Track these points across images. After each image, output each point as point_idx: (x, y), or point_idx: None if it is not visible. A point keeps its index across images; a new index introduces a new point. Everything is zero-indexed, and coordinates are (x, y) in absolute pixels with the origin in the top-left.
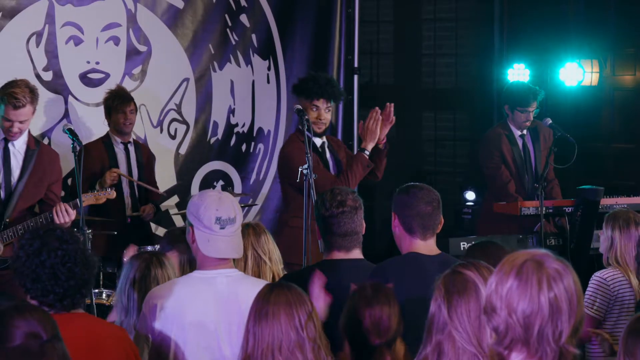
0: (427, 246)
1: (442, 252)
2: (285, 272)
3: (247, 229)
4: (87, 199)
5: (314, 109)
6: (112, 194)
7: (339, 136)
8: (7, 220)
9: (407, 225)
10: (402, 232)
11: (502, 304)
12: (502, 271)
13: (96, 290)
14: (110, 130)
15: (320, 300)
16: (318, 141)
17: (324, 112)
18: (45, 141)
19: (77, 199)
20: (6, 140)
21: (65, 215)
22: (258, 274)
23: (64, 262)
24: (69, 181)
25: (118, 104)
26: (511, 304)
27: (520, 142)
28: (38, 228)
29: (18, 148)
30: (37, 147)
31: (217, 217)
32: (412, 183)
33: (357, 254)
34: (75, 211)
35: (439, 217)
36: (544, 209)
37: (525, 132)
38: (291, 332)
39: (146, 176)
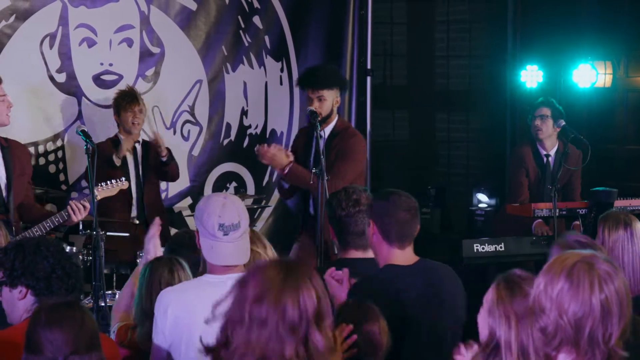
0: (405, 255)
1: (421, 258)
2: None
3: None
4: (102, 191)
5: (310, 101)
6: (125, 184)
7: None
8: (14, 222)
9: (385, 232)
10: (380, 240)
11: (552, 305)
12: (551, 272)
13: (109, 292)
14: (119, 130)
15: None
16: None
17: (316, 101)
18: (59, 143)
19: (90, 195)
20: None
21: (82, 211)
22: None
23: (63, 255)
24: (83, 182)
25: (126, 104)
26: (562, 305)
27: (544, 160)
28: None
29: None
30: (7, 142)
31: (220, 224)
32: (389, 189)
33: (372, 252)
34: (89, 205)
35: (417, 224)
36: (557, 210)
37: (551, 153)
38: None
39: (156, 176)
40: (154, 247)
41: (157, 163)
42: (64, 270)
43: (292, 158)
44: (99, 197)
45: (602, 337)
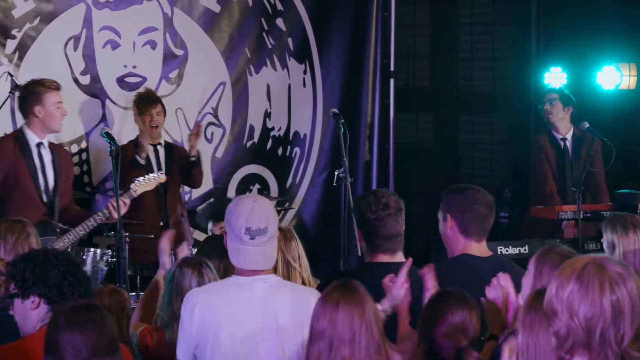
0: (480, 248)
1: (495, 254)
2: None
3: (278, 233)
4: (141, 186)
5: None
6: (163, 178)
7: (375, 140)
8: (58, 223)
9: (463, 226)
10: (457, 234)
11: (563, 307)
12: (562, 275)
13: (133, 294)
14: (140, 133)
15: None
16: None
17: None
18: (84, 145)
19: (131, 191)
20: (38, 145)
21: (122, 207)
22: (288, 279)
23: (72, 264)
24: (107, 184)
25: (143, 106)
26: (572, 308)
27: (561, 144)
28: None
29: (46, 147)
30: (54, 147)
31: (247, 228)
32: (463, 184)
33: (400, 256)
34: (129, 201)
35: (492, 219)
36: (581, 213)
37: (567, 137)
38: (357, 331)
39: (179, 179)
40: (169, 259)
41: (182, 165)
42: (75, 278)
43: None
44: (138, 192)
45: (614, 339)
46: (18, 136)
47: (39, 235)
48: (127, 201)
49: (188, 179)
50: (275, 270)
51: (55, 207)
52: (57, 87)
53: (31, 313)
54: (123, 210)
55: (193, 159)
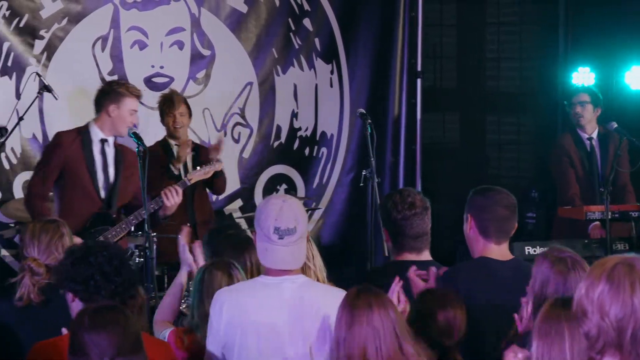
0: (501, 251)
1: (515, 257)
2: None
3: None
4: (196, 175)
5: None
6: (219, 166)
7: (402, 141)
8: (114, 215)
9: (482, 228)
10: (477, 235)
11: (593, 308)
12: (592, 275)
13: (161, 294)
14: (167, 134)
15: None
16: None
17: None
18: None
19: (185, 180)
20: (102, 142)
21: (174, 196)
22: None
23: (109, 261)
24: None
25: (166, 108)
26: (603, 308)
27: (588, 144)
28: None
29: (111, 145)
30: (121, 147)
31: (276, 227)
32: (487, 185)
33: (427, 255)
34: (181, 189)
35: (514, 221)
36: (609, 213)
37: (593, 136)
38: (384, 337)
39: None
40: (188, 254)
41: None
42: (104, 276)
43: None
44: (192, 181)
45: None
46: (81, 131)
47: (94, 225)
48: (180, 190)
49: (210, 186)
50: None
51: (113, 203)
52: (138, 95)
53: (72, 305)
54: (177, 199)
55: (218, 168)
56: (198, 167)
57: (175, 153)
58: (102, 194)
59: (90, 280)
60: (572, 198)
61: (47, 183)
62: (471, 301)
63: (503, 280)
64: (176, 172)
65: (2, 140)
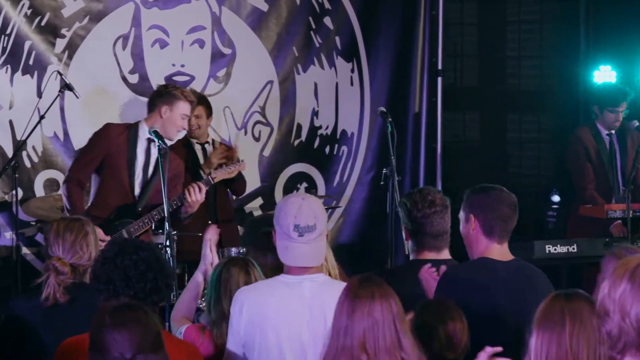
0: (502, 250)
1: (516, 258)
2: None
3: None
4: (220, 174)
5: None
6: (244, 166)
7: (422, 139)
8: (139, 209)
9: (487, 227)
10: (479, 234)
11: (615, 307)
12: (615, 275)
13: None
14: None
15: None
16: None
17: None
18: None
19: (209, 177)
20: (149, 141)
21: (197, 193)
22: None
23: (136, 266)
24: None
25: None
26: (624, 308)
27: (607, 140)
28: (117, 238)
29: (157, 148)
30: (167, 150)
31: (295, 225)
32: (486, 184)
33: (446, 254)
34: (205, 187)
35: (516, 220)
36: (630, 212)
37: (613, 132)
38: (383, 328)
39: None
40: (210, 251)
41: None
42: (125, 281)
43: None
44: (216, 180)
45: None
46: (130, 127)
47: (118, 218)
48: (203, 187)
49: (230, 186)
50: None
51: (143, 199)
52: (192, 101)
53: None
54: (200, 197)
55: (234, 174)
56: (223, 166)
57: (195, 152)
58: (137, 191)
59: (110, 283)
60: (590, 193)
61: (87, 170)
62: (472, 303)
63: (505, 281)
64: (204, 177)
65: (24, 139)
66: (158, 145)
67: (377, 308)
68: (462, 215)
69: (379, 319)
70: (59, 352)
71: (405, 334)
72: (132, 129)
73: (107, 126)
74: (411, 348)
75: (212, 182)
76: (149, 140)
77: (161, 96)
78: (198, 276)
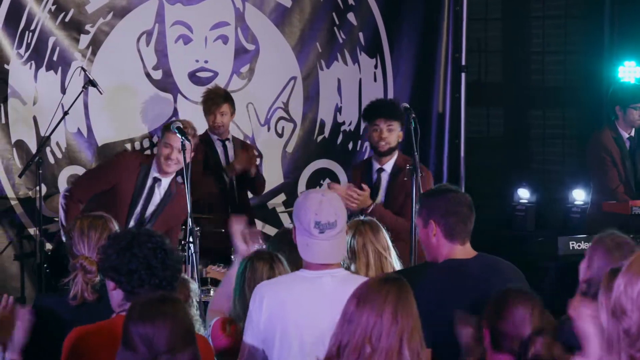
0: (465, 250)
1: (480, 253)
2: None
3: (363, 226)
4: (214, 272)
5: (379, 131)
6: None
7: (446, 135)
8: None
9: (448, 231)
10: (441, 239)
11: (632, 305)
12: (630, 272)
13: (204, 288)
14: (208, 128)
15: None
16: None
17: (386, 131)
18: (155, 140)
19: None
20: (155, 180)
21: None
22: (380, 269)
23: (155, 254)
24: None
25: (209, 106)
26: None
27: (628, 145)
28: (125, 229)
29: (163, 186)
30: (175, 190)
31: (317, 222)
32: (440, 186)
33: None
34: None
35: (474, 219)
36: None
37: (632, 134)
38: (390, 331)
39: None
40: (242, 243)
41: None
42: (149, 270)
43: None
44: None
45: None
46: (144, 163)
47: None
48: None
49: (250, 187)
50: (367, 262)
51: (148, 224)
52: (186, 136)
53: (112, 293)
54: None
55: (252, 176)
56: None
57: (215, 148)
58: (131, 224)
59: (134, 273)
60: (621, 197)
61: (91, 192)
62: (445, 304)
63: (473, 277)
64: (227, 180)
65: (48, 135)
66: (182, 142)
67: (387, 310)
68: (419, 220)
69: (385, 321)
70: (70, 339)
71: (409, 345)
72: (144, 167)
73: (124, 157)
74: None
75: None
76: (155, 180)
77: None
78: (234, 269)
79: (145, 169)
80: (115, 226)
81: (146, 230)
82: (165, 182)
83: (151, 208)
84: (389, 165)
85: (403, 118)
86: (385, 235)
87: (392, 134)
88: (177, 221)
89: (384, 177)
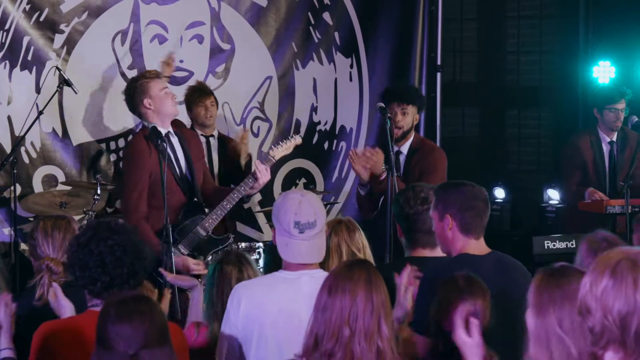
0: (479, 245)
1: (493, 250)
2: None
3: (339, 225)
4: (278, 152)
5: (394, 114)
6: (299, 140)
7: (421, 135)
8: (201, 202)
9: (465, 225)
10: (456, 232)
11: (597, 304)
12: (596, 271)
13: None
14: (194, 125)
15: (408, 291)
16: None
17: (400, 114)
18: (130, 139)
19: (270, 157)
20: (168, 135)
21: (266, 174)
22: None
23: (112, 251)
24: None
25: (197, 97)
26: (606, 305)
27: (606, 150)
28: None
29: (175, 137)
30: (180, 131)
31: (296, 222)
32: (456, 181)
33: (440, 251)
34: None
35: (489, 214)
36: (629, 207)
37: (614, 139)
38: (365, 313)
39: (229, 170)
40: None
41: (233, 158)
42: (100, 268)
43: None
44: (276, 158)
45: None
46: (147, 135)
47: (188, 216)
48: (268, 167)
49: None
50: (340, 262)
51: (196, 189)
52: (157, 76)
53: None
54: (268, 176)
55: (244, 162)
56: (281, 142)
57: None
58: (182, 185)
59: (86, 270)
60: (575, 191)
61: (144, 202)
62: None
63: (486, 275)
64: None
65: (23, 134)
66: (158, 145)
67: (359, 291)
68: (435, 214)
69: (359, 303)
70: (38, 334)
71: (386, 322)
72: (150, 136)
73: (137, 149)
74: (389, 338)
75: (274, 161)
76: (168, 135)
77: (133, 96)
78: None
79: (153, 137)
80: (78, 226)
81: (113, 225)
82: (171, 129)
83: (182, 161)
84: (405, 147)
85: (419, 101)
86: (362, 236)
87: (406, 117)
88: (203, 164)
89: (401, 159)
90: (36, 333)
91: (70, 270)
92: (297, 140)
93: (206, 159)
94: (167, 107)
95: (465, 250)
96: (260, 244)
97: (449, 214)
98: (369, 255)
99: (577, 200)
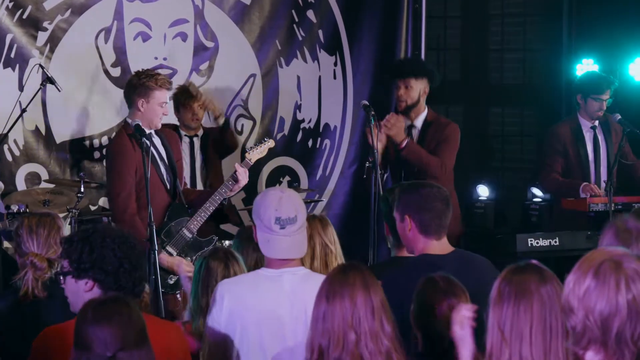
0: (441, 245)
1: (457, 249)
2: None
3: (313, 220)
4: (254, 154)
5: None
6: (272, 143)
7: None
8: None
9: (423, 226)
10: (416, 233)
11: (579, 304)
12: (580, 271)
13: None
14: (180, 125)
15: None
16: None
17: (403, 89)
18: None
19: (247, 160)
20: (150, 135)
21: (245, 177)
22: (325, 263)
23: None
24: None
25: (186, 100)
26: (589, 305)
27: (589, 135)
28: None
29: (156, 137)
30: (161, 130)
31: (277, 217)
32: (415, 182)
33: None
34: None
35: (450, 213)
36: (613, 205)
37: (596, 124)
38: (367, 315)
39: (217, 162)
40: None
41: (217, 142)
42: (131, 264)
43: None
44: (253, 161)
45: (630, 337)
46: (130, 133)
47: (173, 218)
48: (247, 170)
49: (225, 149)
50: (313, 254)
51: (178, 189)
52: (168, 88)
53: (84, 295)
54: (247, 179)
55: (221, 121)
56: (255, 146)
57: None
58: (168, 185)
59: (120, 269)
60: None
61: (133, 197)
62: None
63: (447, 272)
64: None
65: (6, 132)
66: (140, 142)
67: (358, 294)
68: (396, 214)
69: (360, 305)
70: (40, 338)
71: (387, 320)
72: (135, 134)
73: (122, 146)
74: (393, 337)
75: (251, 164)
76: (149, 135)
77: (135, 89)
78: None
79: (138, 135)
80: (62, 223)
81: (109, 228)
82: (153, 133)
83: (165, 160)
84: (419, 121)
85: (427, 74)
86: (333, 231)
87: (409, 91)
88: (181, 165)
89: (414, 133)
90: (37, 338)
91: (94, 276)
92: (271, 143)
93: (189, 159)
94: (155, 120)
95: (426, 250)
96: None
97: (407, 215)
98: (339, 250)
99: (563, 193)
